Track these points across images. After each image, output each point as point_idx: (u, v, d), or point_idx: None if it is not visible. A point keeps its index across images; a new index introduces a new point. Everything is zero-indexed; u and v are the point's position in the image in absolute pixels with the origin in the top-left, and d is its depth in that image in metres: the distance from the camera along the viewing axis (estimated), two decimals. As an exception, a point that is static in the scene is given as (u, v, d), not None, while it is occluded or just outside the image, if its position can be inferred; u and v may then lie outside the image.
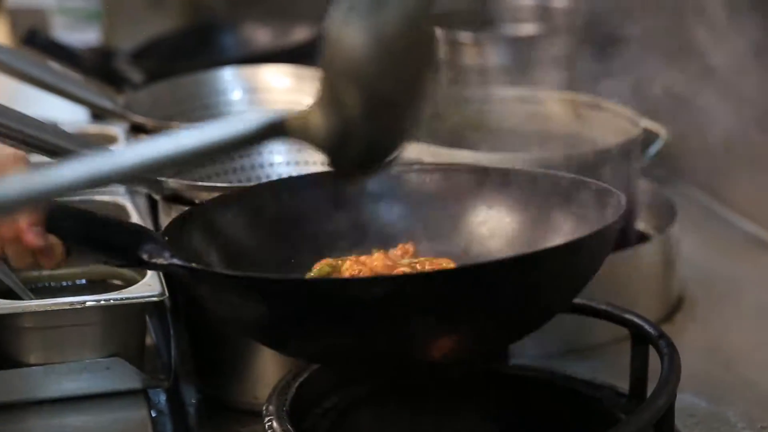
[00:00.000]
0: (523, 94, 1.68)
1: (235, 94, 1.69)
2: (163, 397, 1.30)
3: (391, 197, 1.24)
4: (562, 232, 1.15)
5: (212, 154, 0.84)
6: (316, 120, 0.80)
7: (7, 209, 0.78)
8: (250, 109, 1.67)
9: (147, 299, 1.23)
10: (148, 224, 1.39)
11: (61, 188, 0.77)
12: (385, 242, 1.21)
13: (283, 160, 1.45)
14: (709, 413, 1.26)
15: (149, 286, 1.24)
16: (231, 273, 1.03)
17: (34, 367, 1.21)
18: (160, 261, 1.03)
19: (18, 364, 1.21)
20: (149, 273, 1.26)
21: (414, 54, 0.81)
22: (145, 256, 1.03)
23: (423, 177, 1.25)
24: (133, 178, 0.85)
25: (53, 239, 1.00)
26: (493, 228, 1.21)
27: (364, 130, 0.80)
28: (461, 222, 1.22)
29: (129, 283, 1.28)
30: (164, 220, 1.30)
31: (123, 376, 1.21)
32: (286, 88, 1.69)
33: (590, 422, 1.19)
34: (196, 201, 1.26)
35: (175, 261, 1.02)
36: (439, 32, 0.84)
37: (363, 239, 1.22)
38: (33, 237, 0.99)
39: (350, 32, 0.79)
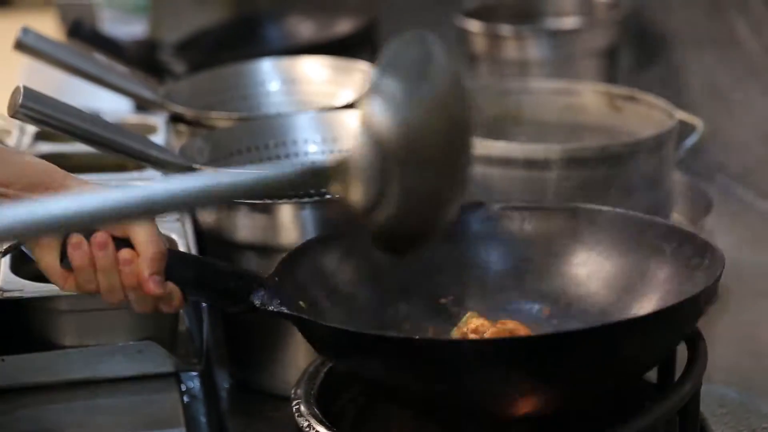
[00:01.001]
0: (560, 87, 1.69)
1: (273, 85, 1.70)
2: (196, 382, 1.32)
3: (491, 238, 1.28)
4: (657, 280, 1.17)
5: (253, 194, 0.89)
6: (355, 184, 0.82)
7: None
8: (288, 101, 1.69)
9: (179, 285, 1.24)
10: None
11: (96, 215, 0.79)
12: (485, 284, 1.26)
13: (318, 150, 1.47)
14: (739, 404, 1.25)
15: (182, 273, 1.26)
16: (333, 326, 1.08)
17: (68, 350, 1.24)
18: (270, 308, 1.08)
19: (53, 346, 1.24)
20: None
21: (449, 128, 0.81)
22: (257, 303, 1.08)
23: (522, 217, 1.29)
24: (174, 209, 0.89)
25: (172, 286, 1.06)
26: (591, 270, 1.23)
27: (399, 204, 0.81)
28: (559, 263, 1.25)
29: (163, 268, 1.29)
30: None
31: (155, 360, 1.24)
32: (325, 80, 1.70)
33: (617, 410, 1.19)
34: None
35: (284, 309, 1.08)
36: (473, 109, 0.83)
37: (465, 282, 1.26)
38: (154, 286, 1.05)
39: (381, 120, 0.79)
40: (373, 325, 1.18)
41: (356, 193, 0.82)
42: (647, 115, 1.59)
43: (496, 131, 1.64)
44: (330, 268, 1.19)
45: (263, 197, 1.11)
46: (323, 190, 0.89)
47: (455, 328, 1.20)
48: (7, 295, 1.20)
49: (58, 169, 1.10)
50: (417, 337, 1.16)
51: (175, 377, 1.26)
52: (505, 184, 1.52)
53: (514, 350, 1.02)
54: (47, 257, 1.06)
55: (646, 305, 1.17)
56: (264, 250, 1.26)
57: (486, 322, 1.18)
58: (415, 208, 0.82)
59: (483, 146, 1.50)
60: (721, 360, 1.26)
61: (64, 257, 1.06)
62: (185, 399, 1.28)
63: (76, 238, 1.04)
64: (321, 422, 1.08)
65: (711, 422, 1.20)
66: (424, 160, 0.79)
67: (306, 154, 1.46)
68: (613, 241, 1.23)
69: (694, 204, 1.62)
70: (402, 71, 0.77)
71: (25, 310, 1.24)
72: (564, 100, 1.67)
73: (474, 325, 1.18)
